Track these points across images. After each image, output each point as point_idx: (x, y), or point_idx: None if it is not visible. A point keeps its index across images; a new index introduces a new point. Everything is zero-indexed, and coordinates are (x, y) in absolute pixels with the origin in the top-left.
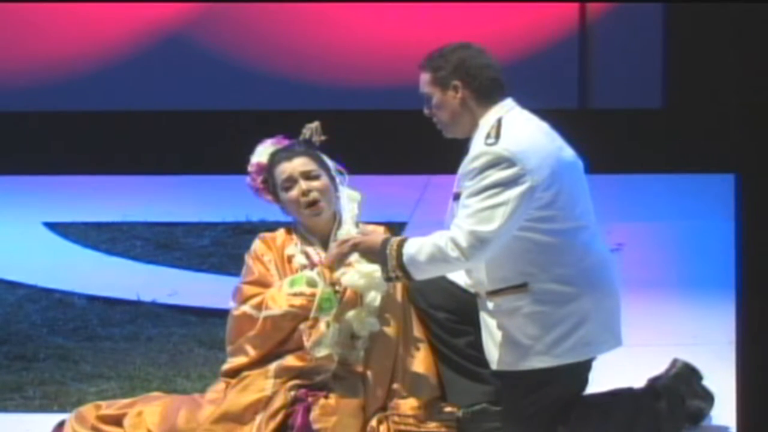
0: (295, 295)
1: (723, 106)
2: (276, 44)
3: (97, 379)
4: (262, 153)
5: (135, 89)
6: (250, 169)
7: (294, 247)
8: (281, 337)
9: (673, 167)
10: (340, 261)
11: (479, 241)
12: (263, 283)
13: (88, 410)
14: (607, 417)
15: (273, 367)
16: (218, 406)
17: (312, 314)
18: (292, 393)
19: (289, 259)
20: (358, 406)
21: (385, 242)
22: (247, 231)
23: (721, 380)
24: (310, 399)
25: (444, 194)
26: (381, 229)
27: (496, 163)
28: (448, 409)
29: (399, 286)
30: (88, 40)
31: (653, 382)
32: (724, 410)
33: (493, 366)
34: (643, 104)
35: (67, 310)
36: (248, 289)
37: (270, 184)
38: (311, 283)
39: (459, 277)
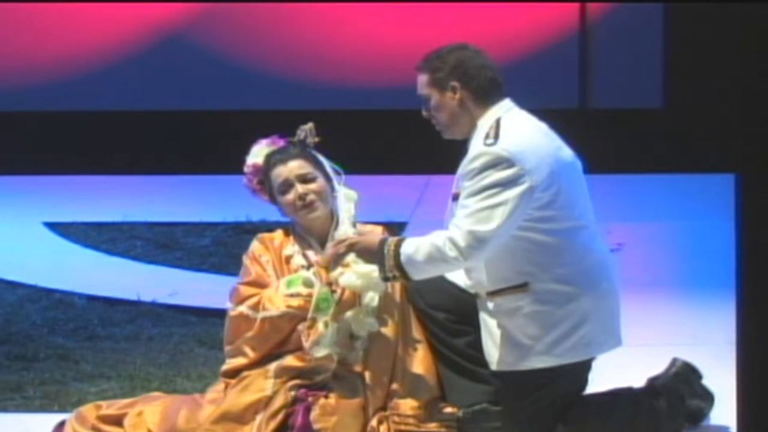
0: (292, 295)
1: (723, 106)
2: (276, 44)
3: (98, 379)
4: (257, 154)
5: (135, 89)
6: (246, 170)
7: (292, 248)
8: (280, 338)
9: (673, 167)
10: (336, 261)
11: (477, 241)
12: (260, 284)
13: (89, 410)
14: (607, 417)
15: (273, 367)
16: (218, 406)
17: (310, 314)
18: (293, 393)
19: (288, 259)
20: (359, 406)
21: (383, 242)
22: (247, 231)
23: (721, 380)
24: (310, 399)
25: (444, 194)
26: (379, 229)
27: (495, 163)
28: (448, 409)
29: (397, 286)
30: (88, 40)
31: (653, 382)
32: (724, 410)
33: (493, 366)
34: (643, 104)
35: (68, 310)
36: (245, 290)
37: (267, 186)
38: (308, 284)
39: (458, 277)
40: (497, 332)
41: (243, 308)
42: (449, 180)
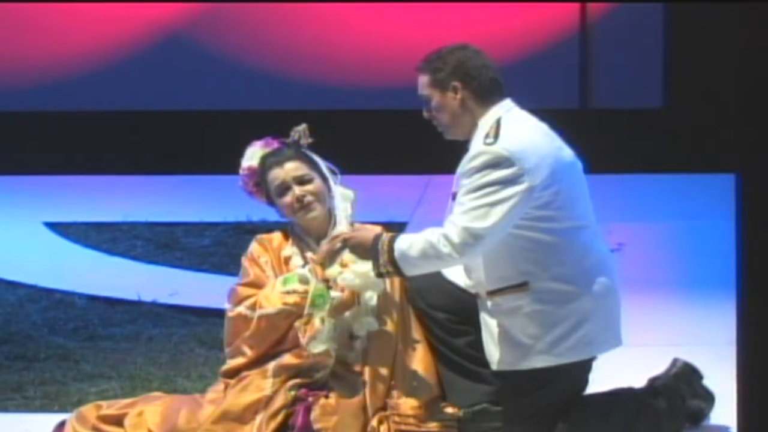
0: (288, 293)
1: (723, 106)
2: (276, 44)
3: (98, 379)
4: (252, 156)
5: (135, 89)
6: (241, 172)
7: (291, 249)
8: (277, 335)
9: (673, 167)
10: (331, 257)
11: (472, 238)
12: (258, 285)
13: (89, 410)
14: (608, 417)
15: (271, 366)
16: (218, 406)
17: (306, 310)
18: (293, 393)
19: (286, 260)
20: (359, 406)
21: (377, 238)
22: (247, 231)
23: (722, 380)
24: (310, 399)
25: (444, 194)
26: (378, 229)
27: (495, 162)
28: (448, 409)
29: (397, 286)
30: (88, 40)
31: (653, 382)
32: (725, 410)
33: (494, 366)
34: (644, 104)
35: (68, 310)
36: (243, 291)
37: (264, 188)
38: (303, 281)
39: (459, 277)
40: (497, 332)
41: (241, 309)
42: (449, 180)
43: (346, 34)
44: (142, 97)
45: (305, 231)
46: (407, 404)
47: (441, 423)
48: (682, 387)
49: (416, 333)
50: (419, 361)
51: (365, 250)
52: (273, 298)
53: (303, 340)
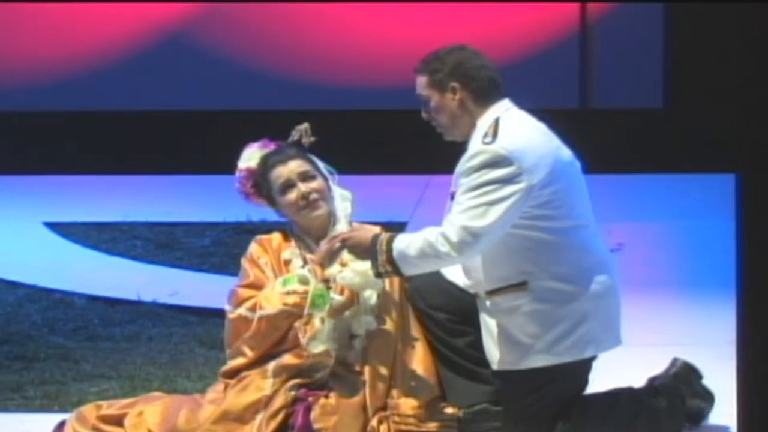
0: (288, 293)
1: (724, 106)
2: (277, 44)
3: (98, 379)
4: (250, 157)
5: (135, 89)
6: (238, 174)
7: (291, 252)
8: (277, 336)
9: (673, 167)
10: (330, 257)
11: (470, 236)
12: (258, 286)
13: (89, 410)
14: (608, 417)
15: (271, 366)
16: (218, 406)
17: (306, 311)
18: (293, 393)
19: (286, 263)
20: (359, 406)
21: (375, 237)
22: (247, 231)
23: (722, 380)
24: (310, 399)
25: (444, 194)
26: (376, 229)
27: (493, 161)
28: (448, 410)
29: (396, 286)
30: (88, 40)
31: (653, 382)
32: (725, 410)
33: (494, 366)
34: (644, 104)
35: (68, 309)
36: (243, 292)
37: (264, 188)
38: (303, 281)
39: (458, 277)
40: (497, 332)
41: (241, 310)
42: (449, 180)
43: (346, 35)
44: (143, 97)
45: (305, 231)
46: (407, 404)
47: (441, 423)
48: (681, 387)
49: (416, 332)
50: (419, 360)
51: (364, 250)
52: (273, 298)
53: (303, 341)
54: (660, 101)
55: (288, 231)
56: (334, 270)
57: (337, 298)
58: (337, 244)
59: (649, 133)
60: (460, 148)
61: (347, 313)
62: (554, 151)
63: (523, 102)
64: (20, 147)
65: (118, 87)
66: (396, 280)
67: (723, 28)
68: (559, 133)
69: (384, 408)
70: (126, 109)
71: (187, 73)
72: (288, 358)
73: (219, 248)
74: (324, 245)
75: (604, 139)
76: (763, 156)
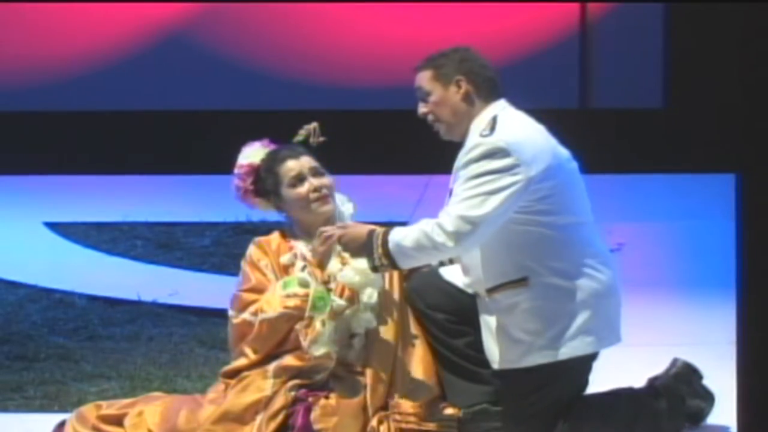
0: (288, 296)
1: (723, 106)
2: (276, 44)
3: (98, 379)
4: (252, 155)
5: (136, 89)
6: (238, 170)
7: (291, 256)
8: (278, 338)
9: (673, 167)
10: (327, 257)
11: (466, 225)
12: (261, 290)
13: (89, 410)
14: (608, 416)
15: (272, 367)
16: (218, 406)
17: (307, 313)
18: (293, 393)
19: (286, 268)
20: (359, 406)
21: (371, 232)
22: (247, 231)
23: (722, 380)
24: (310, 399)
25: (444, 194)
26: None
27: (491, 153)
28: (448, 410)
29: (396, 284)
30: (88, 40)
31: (653, 382)
32: (725, 410)
33: (495, 365)
34: (644, 104)
35: (68, 309)
36: (247, 297)
37: (269, 182)
38: (303, 284)
39: (456, 278)
40: (497, 330)
41: (246, 315)
42: (449, 180)
43: (345, 35)
44: (143, 97)
45: (306, 230)
46: (408, 403)
47: (440, 423)
48: (681, 387)
49: (415, 331)
50: (419, 361)
51: (359, 246)
52: (274, 302)
53: (304, 343)
54: (660, 101)
55: (287, 231)
56: (334, 268)
57: (337, 301)
58: (332, 243)
59: (648, 133)
60: (459, 147)
61: (347, 312)
62: (552, 147)
63: (523, 102)
64: (20, 147)
65: (119, 87)
66: (396, 279)
67: (722, 28)
68: (559, 133)
69: (384, 408)
70: (126, 109)
71: (187, 73)
72: (289, 360)
73: (219, 248)
74: (319, 247)
75: (603, 139)
76: (763, 156)
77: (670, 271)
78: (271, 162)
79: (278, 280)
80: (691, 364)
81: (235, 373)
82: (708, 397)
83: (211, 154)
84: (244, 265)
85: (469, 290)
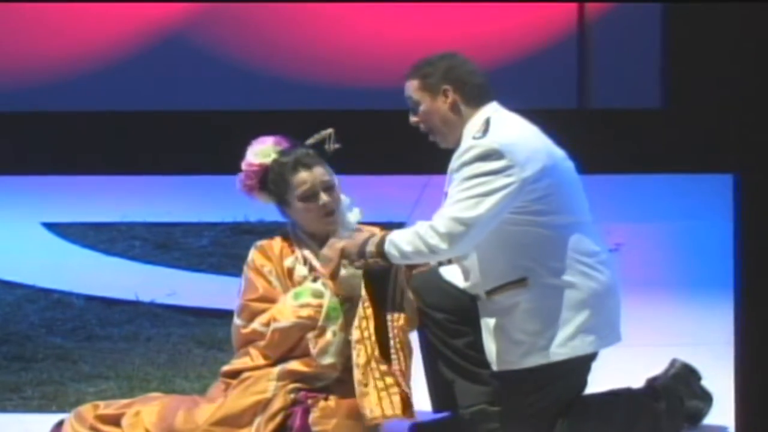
0: (302, 306)
1: (722, 107)
2: (276, 44)
3: (96, 379)
4: (264, 153)
5: (134, 89)
6: (248, 168)
7: (293, 259)
8: (289, 346)
9: (671, 167)
10: (337, 270)
11: (460, 226)
12: (269, 299)
13: (87, 410)
14: (607, 417)
15: (276, 370)
16: (218, 407)
17: (320, 323)
18: (292, 395)
19: (290, 271)
20: (358, 408)
21: (371, 235)
22: (245, 231)
23: (720, 380)
24: (309, 401)
25: (443, 195)
26: (376, 230)
27: (485, 154)
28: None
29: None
30: (87, 40)
31: (652, 383)
32: (723, 410)
33: (496, 366)
34: (642, 104)
35: (66, 310)
36: (255, 306)
37: (279, 188)
38: (317, 294)
39: (457, 278)
40: (497, 332)
41: (256, 326)
42: (444, 182)
43: (344, 35)
44: (141, 97)
45: (310, 235)
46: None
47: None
48: (680, 388)
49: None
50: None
51: (358, 251)
52: (286, 311)
53: (313, 351)
54: (658, 101)
55: (290, 234)
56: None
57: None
58: (339, 256)
59: (647, 134)
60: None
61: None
62: (546, 147)
63: (521, 102)
64: (18, 147)
65: (117, 87)
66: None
67: (721, 28)
68: (558, 133)
69: None
70: (125, 109)
71: (186, 73)
72: (295, 365)
73: (217, 248)
74: (329, 255)
75: (602, 140)
76: (761, 156)
77: (668, 272)
78: (284, 168)
79: (282, 285)
80: (689, 364)
81: (236, 374)
82: (706, 398)
83: (210, 154)
84: (248, 271)
85: (470, 292)
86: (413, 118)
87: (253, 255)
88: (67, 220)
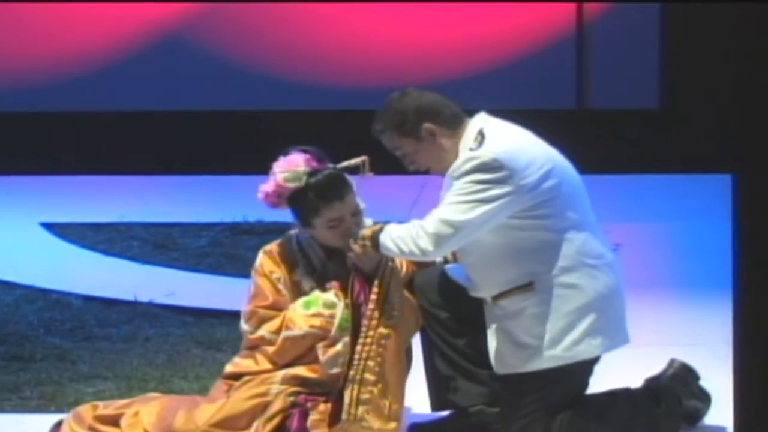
0: (313, 315)
1: (720, 107)
2: (275, 45)
3: (95, 380)
4: (294, 178)
5: (133, 89)
6: (277, 188)
7: (300, 271)
8: (297, 354)
9: (670, 168)
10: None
11: (447, 228)
12: (278, 307)
13: (86, 410)
14: (605, 417)
15: (281, 374)
16: (219, 408)
17: (332, 333)
18: (292, 398)
19: (296, 284)
20: None
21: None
22: (244, 231)
23: (718, 380)
24: (309, 404)
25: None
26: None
27: (484, 165)
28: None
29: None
30: (86, 41)
31: (651, 383)
32: (721, 410)
33: (499, 370)
34: (640, 105)
35: (65, 310)
36: (264, 313)
37: (306, 211)
38: (329, 305)
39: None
40: (504, 335)
41: (263, 332)
42: (443, 185)
43: (344, 35)
44: (140, 98)
45: (320, 243)
46: None
47: None
48: (678, 388)
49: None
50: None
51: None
52: (298, 320)
53: (322, 359)
54: (656, 102)
55: (298, 241)
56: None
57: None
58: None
59: (645, 134)
60: None
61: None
62: (544, 150)
63: (519, 102)
64: (17, 147)
65: (116, 87)
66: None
67: (719, 28)
68: (556, 134)
69: None
70: (123, 110)
71: (185, 74)
72: (300, 370)
73: (215, 249)
74: (358, 251)
75: (600, 140)
76: (759, 156)
77: (667, 272)
78: (316, 197)
79: (290, 293)
80: (687, 364)
81: (239, 376)
82: (705, 398)
83: (208, 154)
84: (256, 277)
85: (474, 294)
86: (410, 166)
87: (261, 260)
88: (65, 220)
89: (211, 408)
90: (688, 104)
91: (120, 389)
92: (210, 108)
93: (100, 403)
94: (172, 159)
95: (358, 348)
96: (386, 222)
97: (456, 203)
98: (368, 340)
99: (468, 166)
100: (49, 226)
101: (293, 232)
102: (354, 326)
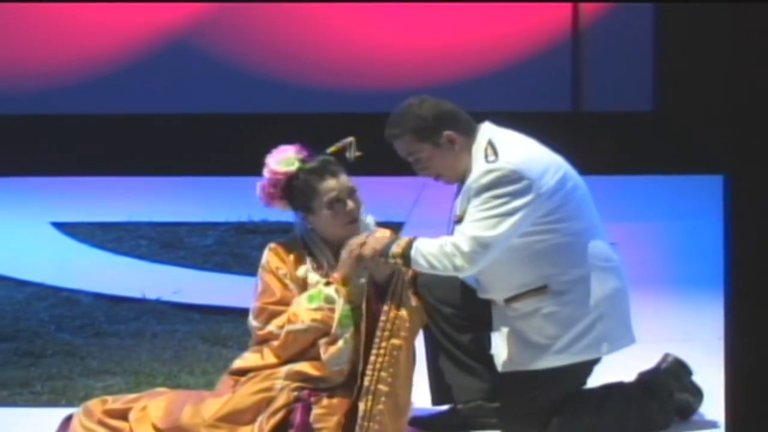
0: (315, 309)
1: (713, 109)
2: (278, 48)
3: (104, 375)
4: (287, 162)
5: (140, 92)
6: (272, 176)
7: (305, 267)
8: (300, 348)
9: (663, 168)
10: (353, 274)
11: (480, 246)
12: (285, 302)
13: (95, 404)
14: (600, 411)
15: (285, 369)
16: (225, 403)
17: (333, 330)
18: (295, 393)
19: (303, 280)
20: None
21: (394, 237)
22: (249, 231)
23: (710, 375)
24: (312, 399)
25: (441, 195)
26: (387, 232)
27: (505, 178)
28: None
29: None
30: (93, 44)
31: (644, 377)
32: (713, 405)
33: (503, 368)
34: (634, 107)
35: (74, 307)
36: (273, 309)
37: (304, 196)
38: (329, 301)
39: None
40: (513, 334)
41: (272, 328)
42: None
43: (346, 38)
44: (147, 101)
45: (325, 239)
46: None
47: None
48: (671, 381)
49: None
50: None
51: (378, 250)
52: (301, 314)
53: (324, 357)
54: (650, 104)
55: (301, 239)
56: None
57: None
58: (354, 260)
59: (639, 136)
60: None
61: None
62: (552, 157)
63: (515, 105)
64: (28, 149)
65: (124, 90)
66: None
67: (713, 31)
68: (552, 136)
69: None
70: (131, 113)
71: (191, 77)
72: (303, 366)
73: (221, 247)
74: (345, 260)
75: (595, 142)
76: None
77: (660, 270)
78: (310, 177)
79: (297, 289)
80: (681, 359)
81: (246, 371)
82: (696, 393)
83: (214, 156)
84: (263, 274)
85: (482, 296)
86: (421, 172)
87: (267, 257)
88: (75, 220)
89: (217, 402)
90: (681, 107)
91: (128, 384)
92: (216, 111)
93: (109, 398)
94: (178, 160)
95: (372, 359)
96: (386, 222)
97: (483, 219)
98: (381, 351)
99: (488, 179)
100: (59, 226)
101: (298, 229)
102: (368, 332)
